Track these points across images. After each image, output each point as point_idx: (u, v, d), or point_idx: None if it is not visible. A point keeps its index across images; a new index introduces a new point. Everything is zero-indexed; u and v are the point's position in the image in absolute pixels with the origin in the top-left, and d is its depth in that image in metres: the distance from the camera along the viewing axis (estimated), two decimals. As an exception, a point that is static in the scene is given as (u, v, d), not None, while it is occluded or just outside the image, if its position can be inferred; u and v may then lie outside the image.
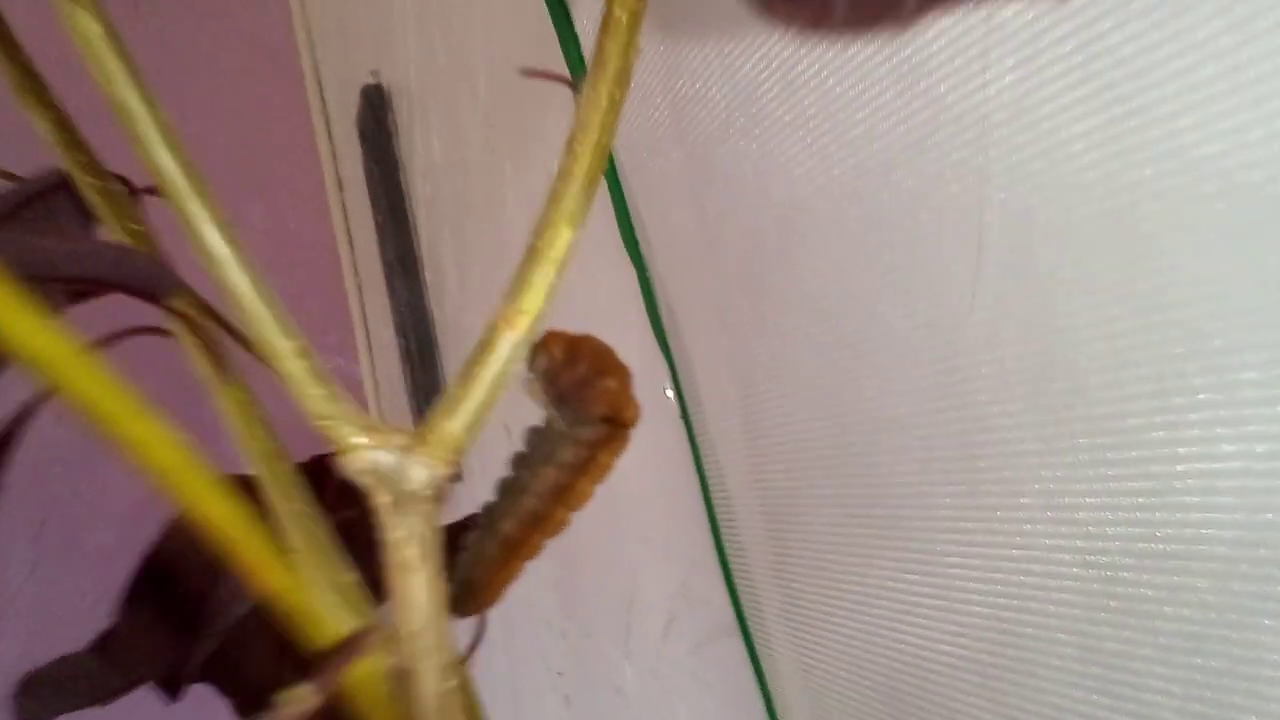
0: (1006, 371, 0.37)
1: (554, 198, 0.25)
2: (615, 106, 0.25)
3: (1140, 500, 0.32)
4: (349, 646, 0.16)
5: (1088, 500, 0.34)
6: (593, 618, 0.89)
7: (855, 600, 0.51)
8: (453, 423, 0.25)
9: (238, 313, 0.23)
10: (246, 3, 1.50)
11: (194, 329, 0.27)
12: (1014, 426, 0.37)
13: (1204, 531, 0.30)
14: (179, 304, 0.27)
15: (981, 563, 0.40)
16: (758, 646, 0.64)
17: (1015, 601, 0.38)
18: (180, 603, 0.36)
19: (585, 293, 0.74)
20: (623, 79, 0.25)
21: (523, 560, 0.27)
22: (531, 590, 0.99)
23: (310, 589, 0.18)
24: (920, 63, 0.38)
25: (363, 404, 1.52)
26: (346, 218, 1.47)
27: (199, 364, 0.27)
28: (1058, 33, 0.32)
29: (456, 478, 0.25)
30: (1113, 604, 0.34)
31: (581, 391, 0.25)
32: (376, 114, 1.26)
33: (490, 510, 0.27)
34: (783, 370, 0.53)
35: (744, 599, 0.65)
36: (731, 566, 0.66)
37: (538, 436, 0.26)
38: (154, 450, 0.21)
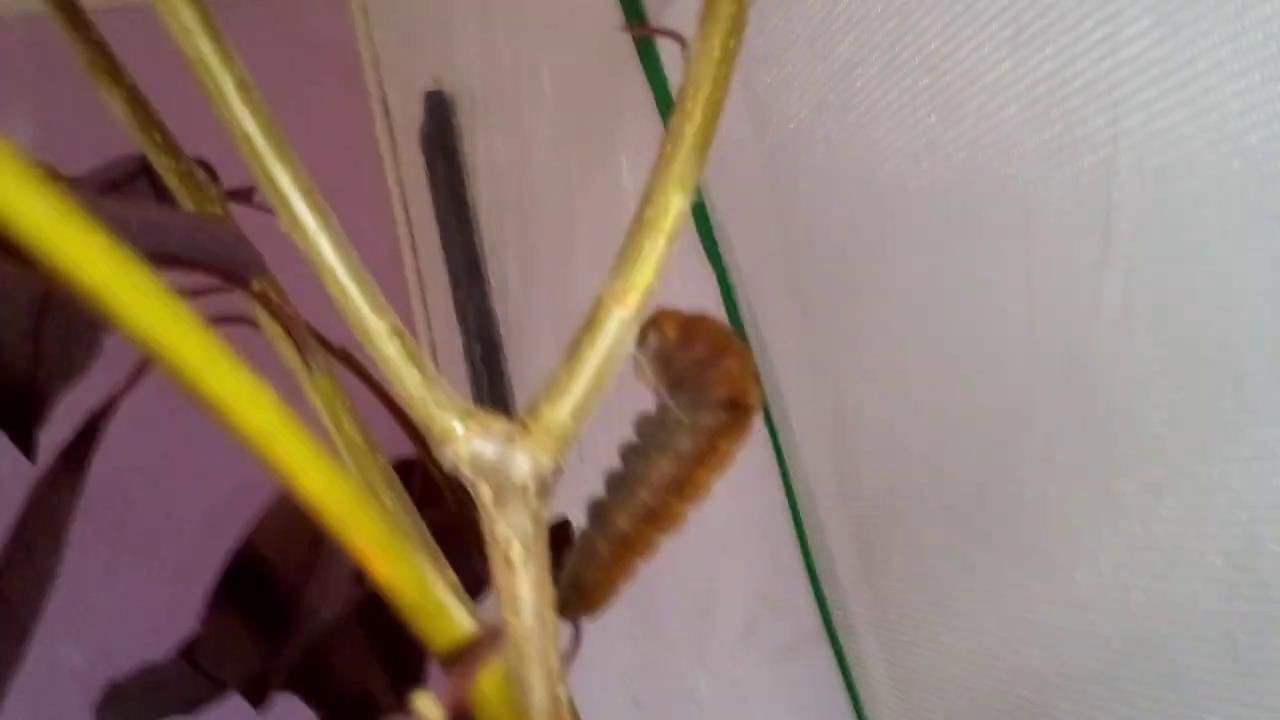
0: (1145, 358, 0.34)
1: (663, 161, 0.23)
2: (729, 58, 0.23)
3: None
4: (480, 648, 0.14)
5: (1248, 499, 0.30)
6: (666, 623, 0.87)
7: (963, 611, 0.48)
8: (559, 410, 0.22)
9: (329, 289, 0.21)
10: (309, 11, 1.51)
11: (278, 315, 0.25)
12: (1158, 421, 0.34)
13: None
14: (263, 286, 0.25)
15: (1116, 568, 0.36)
16: (848, 659, 0.60)
17: (1156, 611, 0.35)
18: (268, 606, 0.34)
19: (660, 297, 0.71)
20: (737, 26, 0.23)
21: (637, 558, 0.24)
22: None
23: (428, 583, 0.15)
24: (1042, 29, 0.35)
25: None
26: (410, 224, 1.48)
27: (284, 352, 0.26)
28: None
29: (561, 469, 0.22)
30: (1271, 610, 0.30)
31: (699, 374, 0.22)
32: (439, 120, 1.26)
33: (600, 506, 0.25)
34: (878, 370, 0.50)
35: (832, 607, 0.61)
36: (819, 572, 0.63)
37: (651, 424, 0.24)
38: (254, 412, 0.19)
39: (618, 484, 0.24)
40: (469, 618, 0.15)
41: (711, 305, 0.65)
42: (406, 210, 1.48)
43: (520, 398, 1.22)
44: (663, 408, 0.23)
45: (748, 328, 0.63)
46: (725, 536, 0.75)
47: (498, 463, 0.22)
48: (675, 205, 0.23)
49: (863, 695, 0.59)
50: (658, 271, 0.23)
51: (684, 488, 0.23)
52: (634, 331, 0.23)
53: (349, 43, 1.53)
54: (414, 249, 1.47)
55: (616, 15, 0.65)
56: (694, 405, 0.23)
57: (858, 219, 0.47)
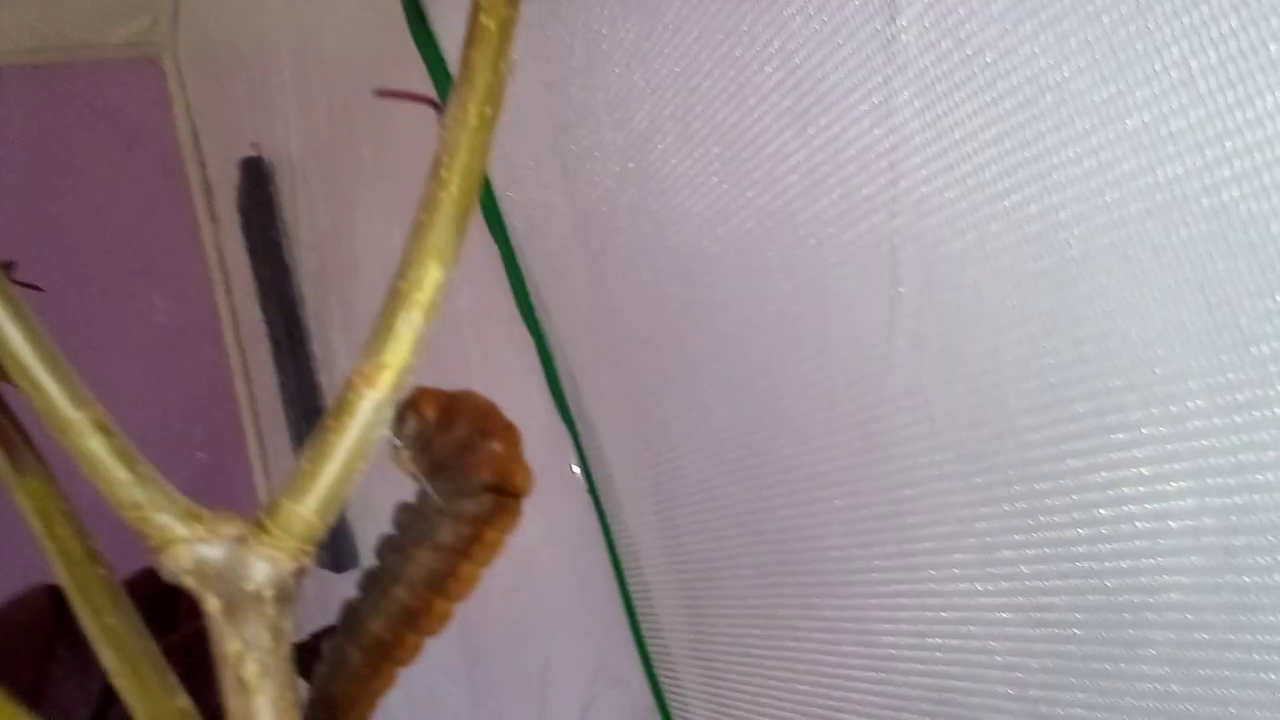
0: (932, 418, 0.35)
1: (419, 231, 0.21)
2: (487, 125, 0.22)
3: (1084, 549, 0.29)
4: None
5: (1028, 552, 0.31)
6: (504, 706, 0.83)
7: (783, 675, 0.47)
8: (302, 505, 0.20)
9: (16, 380, 0.18)
10: (124, 78, 1.43)
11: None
12: (942, 477, 0.34)
13: (1161, 579, 0.27)
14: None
15: (916, 627, 0.37)
16: (680, 730, 0.59)
17: (955, 669, 0.35)
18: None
19: (483, 369, 0.69)
20: (494, 95, 0.22)
21: (395, 665, 0.22)
22: (435, 675, 0.92)
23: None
24: (818, 99, 0.36)
25: (253, 490, 1.42)
26: (230, 294, 1.40)
27: (-12, 450, 0.22)
28: (961, 54, 0.30)
29: (304, 573, 0.20)
30: (1063, 664, 0.31)
31: (461, 458, 0.21)
32: (257, 187, 1.21)
33: (353, 609, 0.22)
34: (694, 431, 0.50)
35: (663, 679, 0.60)
36: (649, 646, 0.61)
37: (409, 515, 0.22)
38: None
39: (371, 584, 0.22)
40: None
41: (534, 376, 0.64)
42: (227, 279, 1.40)
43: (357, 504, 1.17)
44: (422, 496, 0.21)
45: (569, 397, 0.62)
46: (559, 614, 0.73)
47: (226, 568, 0.20)
48: (432, 277, 0.21)
49: (696, 769, 0.58)
50: (414, 348, 0.21)
51: (446, 583, 0.21)
52: (388, 414, 0.21)
53: (165, 111, 1.45)
54: (235, 320, 1.39)
55: (429, 82, 0.63)
56: (456, 491, 0.21)
57: (664, 284, 0.47)
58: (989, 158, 0.29)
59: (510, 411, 0.23)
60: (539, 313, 0.62)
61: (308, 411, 1.19)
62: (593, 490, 0.63)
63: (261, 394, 1.37)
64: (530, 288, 0.62)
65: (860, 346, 0.38)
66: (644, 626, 0.62)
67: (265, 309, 1.22)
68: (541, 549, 0.72)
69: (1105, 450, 0.28)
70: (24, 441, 0.23)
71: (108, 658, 0.21)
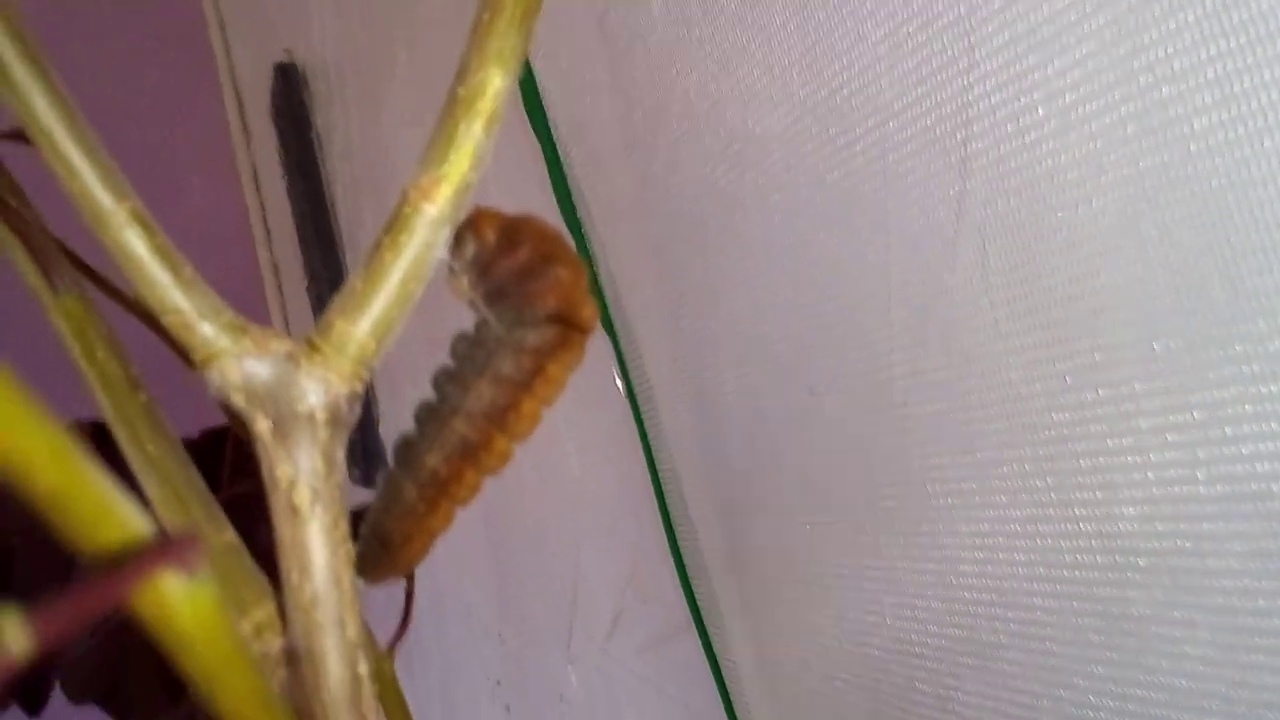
0: (996, 305, 0.33)
1: (480, 33, 0.19)
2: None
3: (1180, 438, 0.27)
4: (147, 555, 0.10)
5: (1104, 447, 0.29)
6: (533, 620, 0.83)
7: (825, 584, 0.46)
8: (355, 325, 0.19)
9: (49, 162, 0.17)
10: (151, -19, 1.41)
11: (11, 221, 0.21)
12: (1013, 365, 0.32)
13: (1258, 466, 0.25)
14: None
15: (979, 528, 0.35)
16: (715, 643, 0.58)
17: (1021, 569, 0.34)
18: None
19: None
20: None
21: (454, 504, 0.21)
22: (465, 591, 0.93)
23: (78, 470, 0.11)
24: None
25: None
26: (263, 203, 1.39)
27: (22, 268, 0.21)
28: None
29: (357, 397, 0.19)
30: (1140, 562, 0.30)
31: (523, 284, 0.19)
32: (290, 93, 1.19)
33: (408, 443, 0.21)
34: (741, 330, 0.48)
35: (699, 592, 0.59)
36: (685, 557, 0.60)
37: (468, 345, 0.20)
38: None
39: (429, 417, 0.21)
40: (143, 520, 0.11)
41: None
42: (259, 188, 1.39)
43: (382, 387, 1.16)
44: (481, 324, 0.20)
45: (609, 300, 0.61)
46: (591, 525, 0.72)
47: (277, 387, 0.18)
48: (494, 83, 0.19)
49: (729, 680, 0.57)
50: (474, 161, 0.19)
51: (507, 417, 0.20)
52: (445, 233, 0.19)
53: (197, 13, 1.43)
54: (267, 229, 1.38)
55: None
56: (517, 320, 0.19)
57: (714, 171, 0.45)
58: (1077, 37, 0.27)
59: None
60: (580, 212, 0.60)
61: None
62: (631, 397, 0.61)
63: (293, 304, 1.36)
64: (572, 185, 0.60)
65: (923, 237, 0.36)
66: (680, 538, 0.61)
67: (298, 217, 1.21)
68: (574, 458, 0.71)
69: (1195, 347, 0.26)
70: (61, 259, 0.21)
71: (151, 489, 0.20)
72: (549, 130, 0.60)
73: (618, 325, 0.61)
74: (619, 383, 0.62)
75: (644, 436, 0.61)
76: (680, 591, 0.61)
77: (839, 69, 0.37)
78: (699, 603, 0.60)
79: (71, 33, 1.29)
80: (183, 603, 0.11)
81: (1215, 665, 0.28)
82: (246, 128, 1.40)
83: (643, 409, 0.61)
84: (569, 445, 0.72)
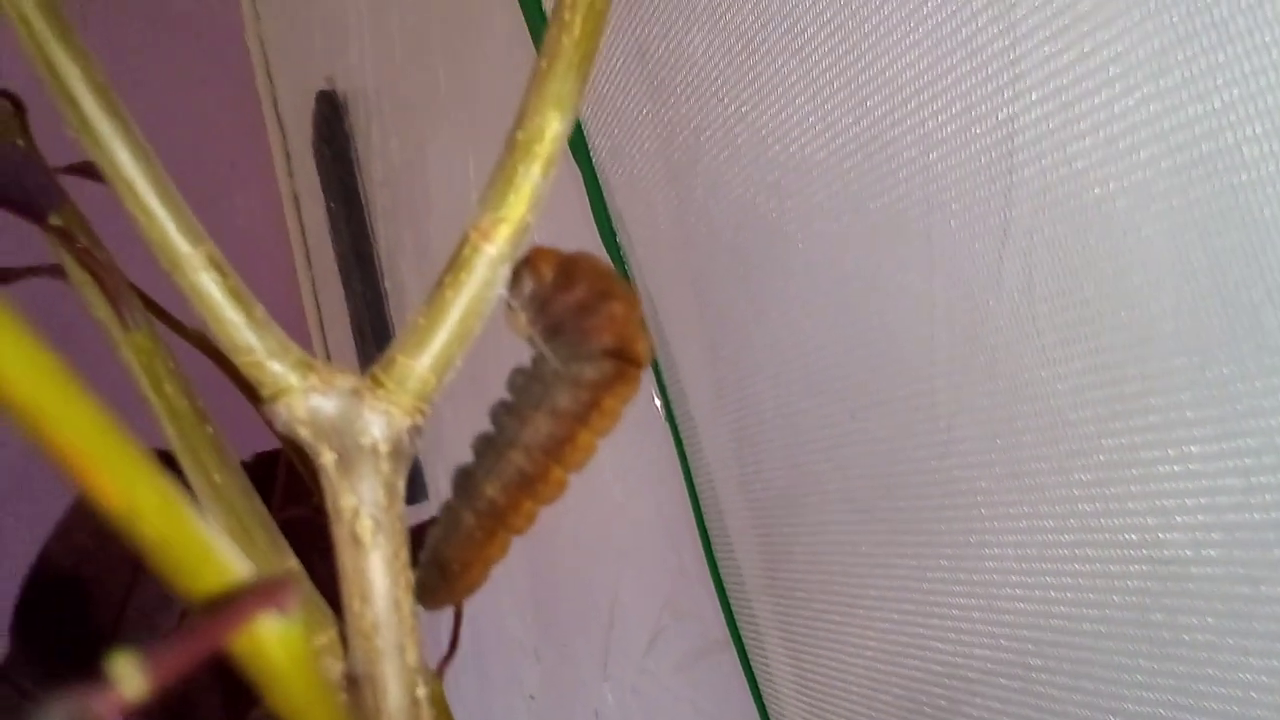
0: (1042, 332, 0.33)
1: (539, 78, 0.20)
2: (615, -32, 0.20)
3: (1233, 464, 0.27)
4: (249, 597, 0.10)
5: (1161, 469, 0.29)
6: (569, 636, 0.83)
7: (867, 605, 0.46)
8: (417, 361, 0.19)
9: (128, 208, 0.17)
10: (197, 10, 1.44)
11: (85, 260, 0.22)
12: (1061, 391, 0.32)
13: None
14: (64, 221, 0.21)
15: (1025, 552, 0.35)
16: (753, 661, 0.58)
17: (1068, 594, 0.34)
18: (87, 619, 0.30)
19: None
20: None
21: (510, 533, 0.21)
22: (503, 607, 0.93)
23: (180, 513, 0.12)
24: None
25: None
26: (304, 229, 1.41)
27: (93, 305, 0.22)
28: None
29: (419, 431, 0.19)
30: (1192, 588, 0.29)
31: (580, 320, 0.19)
32: (331, 121, 1.21)
33: (466, 474, 0.21)
34: (781, 354, 0.48)
35: (737, 610, 0.59)
36: (724, 577, 0.60)
37: (525, 378, 0.21)
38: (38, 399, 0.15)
39: (487, 448, 0.21)
40: (241, 563, 0.12)
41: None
42: (300, 216, 1.41)
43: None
44: (538, 359, 0.20)
45: (649, 323, 0.61)
46: (629, 546, 0.72)
47: (341, 421, 0.19)
48: (553, 127, 0.20)
49: (768, 699, 0.57)
50: (532, 203, 0.20)
51: (563, 449, 0.20)
52: (505, 271, 0.20)
53: (239, 42, 1.46)
54: (308, 256, 1.41)
55: (514, 10, 0.62)
56: (573, 355, 0.20)
57: (755, 198, 0.45)
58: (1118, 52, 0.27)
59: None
60: (620, 238, 0.61)
61: (380, 348, 1.20)
62: (671, 420, 0.62)
63: (333, 329, 1.39)
64: (612, 212, 0.61)
65: (968, 261, 0.36)
66: (719, 558, 0.61)
67: (337, 244, 1.23)
68: (614, 481, 0.72)
69: (1248, 374, 0.26)
70: (131, 295, 0.22)
71: (217, 517, 0.21)
72: (589, 157, 0.61)
73: (658, 349, 0.61)
74: (659, 405, 0.63)
75: (683, 458, 0.61)
76: (719, 610, 0.61)
77: (881, 98, 0.37)
78: (737, 621, 0.60)
79: (114, 60, 1.32)
80: (276, 642, 0.11)
81: (1268, 692, 0.27)
82: (289, 154, 1.43)
83: (682, 431, 0.61)
84: (609, 467, 0.72)
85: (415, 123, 1.00)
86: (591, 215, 0.61)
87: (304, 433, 0.19)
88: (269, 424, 0.20)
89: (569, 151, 0.62)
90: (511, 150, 0.20)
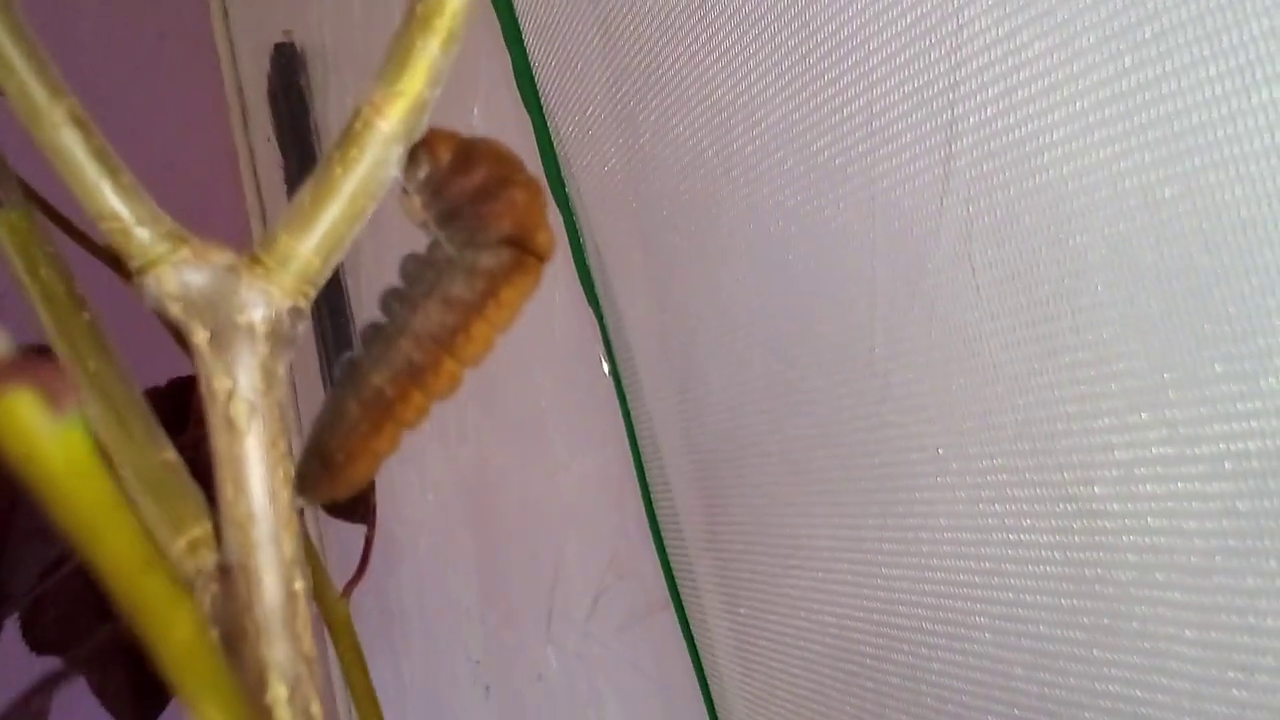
0: (977, 271, 0.32)
1: (441, -55, 0.19)
2: None
3: (1158, 399, 0.27)
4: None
5: (1088, 407, 0.29)
6: (514, 598, 0.83)
7: (801, 561, 0.46)
8: (301, 241, 0.18)
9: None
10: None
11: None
12: (992, 331, 0.32)
13: (1232, 426, 0.25)
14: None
15: (958, 495, 0.35)
16: (691, 620, 0.58)
17: (995, 536, 0.33)
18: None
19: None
20: None
21: (400, 426, 0.20)
22: (447, 573, 0.92)
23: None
24: None
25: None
26: (258, 182, 1.38)
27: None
28: None
29: (300, 315, 0.18)
30: (1112, 526, 0.29)
31: (478, 205, 0.18)
32: (288, 74, 1.18)
33: (354, 363, 0.20)
34: (722, 303, 0.48)
35: (677, 569, 0.59)
36: (665, 536, 0.60)
37: (418, 265, 0.20)
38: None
39: (376, 336, 0.20)
40: (4, 343, 0.11)
41: (561, 252, 0.61)
42: (255, 169, 1.38)
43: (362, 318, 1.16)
44: (433, 245, 0.19)
45: (595, 277, 0.60)
46: (574, 507, 0.71)
47: (216, 296, 0.18)
48: (453, 1, 0.19)
49: (705, 657, 0.57)
50: (430, 78, 0.19)
51: (455, 340, 0.19)
52: (399, 151, 0.19)
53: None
54: (262, 208, 1.38)
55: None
56: (470, 242, 0.19)
57: (701, 142, 0.44)
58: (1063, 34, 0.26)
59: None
60: (569, 187, 0.60)
61: (334, 316, 1.18)
62: (615, 376, 0.61)
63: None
64: (561, 160, 0.60)
65: (909, 208, 0.35)
66: (661, 518, 0.60)
67: (291, 197, 1.20)
68: (560, 438, 0.71)
69: (1177, 310, 0.25)
70: (9, 177, 0.21)
71: (91, 405, 0.20)
72: (540, 105, 0.59)
73: (604, 304, 0.60)
74: (604, 363, 0.62)
75: (627, 416, 0.61)
76: (659, 569, 0.61)
77: (826, 35, 0.36)
78: (677, 581, 0.59)
79: (70, 13, 1.29)
80: (48, 441, 0.10)
81: (1188, 626, 0.27)
82: (244, 108, 1.40)
83: (627, 388, 0.60)
84: (554, 427, 0.72)
85: (373, 79, 0.98)
86: (541, 164, 0.60)
87: (175, 309, 0.18)
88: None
89: (520, 100, 0.60)
90: (410, 22, 0.19)
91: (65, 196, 0.19)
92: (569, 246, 0.60)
